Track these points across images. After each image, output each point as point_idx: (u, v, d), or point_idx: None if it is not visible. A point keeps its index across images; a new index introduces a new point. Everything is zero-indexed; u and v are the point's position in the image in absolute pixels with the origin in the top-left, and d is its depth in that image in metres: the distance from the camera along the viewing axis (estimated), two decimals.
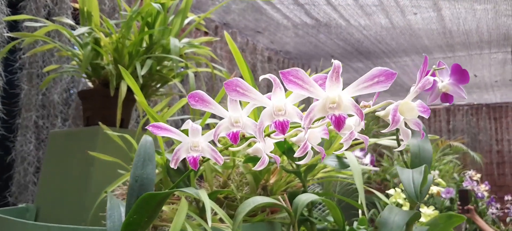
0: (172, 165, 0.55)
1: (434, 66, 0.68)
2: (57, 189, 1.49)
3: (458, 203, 3.10)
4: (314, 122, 0.51)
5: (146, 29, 1.51)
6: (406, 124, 0.54)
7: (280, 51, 4.06)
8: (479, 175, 4.12)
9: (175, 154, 0.56)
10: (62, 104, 1.94)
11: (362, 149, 2.68)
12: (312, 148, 0.54)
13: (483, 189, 3.66)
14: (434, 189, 2.15)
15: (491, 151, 6.60)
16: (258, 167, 0.55)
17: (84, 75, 1.57)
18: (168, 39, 1.49)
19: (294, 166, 1.24)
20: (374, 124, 4.61)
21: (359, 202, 1.47)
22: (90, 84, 1.65)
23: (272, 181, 1.31)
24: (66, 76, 1.96)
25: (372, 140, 1.34)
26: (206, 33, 2.86)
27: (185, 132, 0.56)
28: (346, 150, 1.42)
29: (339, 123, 0.45)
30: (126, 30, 1.46)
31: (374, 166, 2.80)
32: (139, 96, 0.89)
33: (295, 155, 0.53)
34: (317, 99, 0.48)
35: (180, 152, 0.56)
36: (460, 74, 0.75)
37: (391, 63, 4.11)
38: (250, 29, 3.27)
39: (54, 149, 1.54)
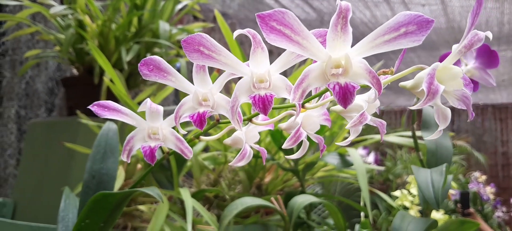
0: (123, 158, 0.44)
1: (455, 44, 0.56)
2: (35, 183, 1.38)
3: (459, 205, 2.99)
4: (310, 99, 0.38)
5: (134, 12, 1.39)
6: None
7: None
8: (484, 177, 4.00)
9: (128, 143, 0.44)
10: (47, 94, 1.83)
11: (365, 147, 2.56)
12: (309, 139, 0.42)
13: (489, 191, 3.54)
14: None
15: (496, 152, 6.47)
16: (237, 162, 0.43)
17: (67, 61, 1.45)
18: (157, 24, 1.37)
19: (292, 163, 1.12)
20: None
21: (362, 204, 1.36)
22: (75, 71, 1.54)
23: (267, 179, 1.20)
24: (52, 63, 1.85)
25: (377, 136, 1.23)
26: (204, 22, 2.72)
27: (143, 115, 0.44)
28: (348, 145, 1.29)
29: (345, 95, 0.31)
30: (112, 12, 1.34)
31: (378, 164, 2.68)
32: (112, 76, 0.77)
33: (284, 146, 0.40)
34: (315, 62, 0.35)
35: (134, 140, 0.44)
36: (488, 57, 0.64)
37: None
38: (250, 20, 3.15)
39: (33, 140, 1.43)
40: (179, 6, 1.55)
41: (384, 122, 0.42)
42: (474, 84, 0.66)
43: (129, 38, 1.40)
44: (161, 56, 1.51)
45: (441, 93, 0.36)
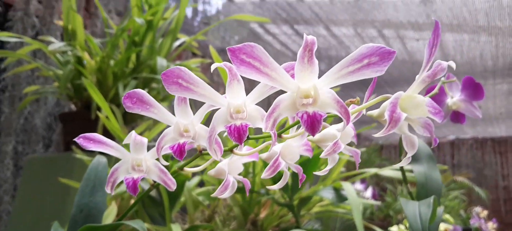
0: (107, 190, 0.44)
1: (442, 79, 0.57)
2: (32, 219, 1.37)
3: None
4: (287, 129, 0.39)
5: (133, 48, 1.42)
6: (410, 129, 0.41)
7: None
8: (486, 212, 3.96)
9: (112, 175, 0.45)
10: (45, 129, 1.84)
11: (363, 181, 2.54)
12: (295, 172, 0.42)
13: (491, 227, 3.49)
14: (441, 227, 2.00)
15: (497, 186, 6.40)
16: (220, 193, 0.43)
17: (65, 96, 1.47)
18: (155, 60, 1.39)
19: (287, 198, 1.12)
20: (376, 155, 4.44)
21: None
22: (73, 106, 1.55)
23: (262, 215, 1.19)
24: (51, 99, 1.87)
25: (373, 170, 1.23)
26: (202, 58, 2.76)
27: (128, 147, 0.45)
28: (345, 179, 1.28)
29: (313, 123, 0.33)
30: (111, 49, 1.37)
31: (376, 199, 2.66)
32: (107, 112, 0.78)
33: (262, 176, 0.41)
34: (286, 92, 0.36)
35: (118, 172, 0.45)
36: (473, 89, 0.65)
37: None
38: None
39: (29, 176, 1.43)
40: (177, 43, 1.58)
41: (358, 151, 0.43)
42: (460, 116, 0.67)
43: (127, 74, 1.42)
44: (159, 92, 1.52)
45: (406, 120, 0.37)
